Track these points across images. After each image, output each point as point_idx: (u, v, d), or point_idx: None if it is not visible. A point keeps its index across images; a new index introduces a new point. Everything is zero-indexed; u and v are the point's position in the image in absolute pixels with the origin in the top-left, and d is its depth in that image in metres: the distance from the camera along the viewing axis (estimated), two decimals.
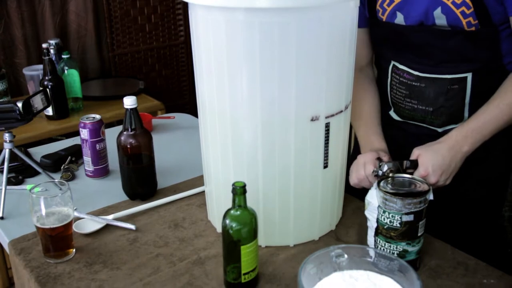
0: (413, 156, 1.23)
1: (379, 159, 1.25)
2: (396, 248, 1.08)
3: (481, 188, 1.40)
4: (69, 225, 1.16)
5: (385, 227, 1.07)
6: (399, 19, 1.29)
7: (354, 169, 1.28)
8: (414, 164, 1.21)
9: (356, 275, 0.97)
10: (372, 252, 0.99)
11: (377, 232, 1.10)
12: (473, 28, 1.20)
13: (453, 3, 1.19)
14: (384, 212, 1.06)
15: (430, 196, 1.08)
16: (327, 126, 1.13)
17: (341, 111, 1.16)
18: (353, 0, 1.09)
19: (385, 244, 1.09)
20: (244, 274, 1.03)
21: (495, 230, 1.50)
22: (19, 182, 1.51)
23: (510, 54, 1.26)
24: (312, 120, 1.11)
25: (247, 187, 1.00)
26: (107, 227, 1.28)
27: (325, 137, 1.14)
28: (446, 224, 1.32)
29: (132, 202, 1.40)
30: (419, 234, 1.08)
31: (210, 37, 1.09)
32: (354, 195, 1.39)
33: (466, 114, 1.32)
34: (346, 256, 0.98)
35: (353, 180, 1.28)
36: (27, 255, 1.18)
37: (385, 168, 1.18)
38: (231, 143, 1.14)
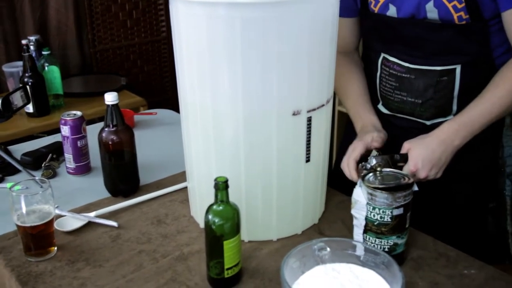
0: (403, 150, 1.24)
1: (378, 151, 1.25)
2: (387, 242, 1.07)
3: (468, 180, 1.41)
4: (50, 223, 1.15)
5: (376, 223, 1.06)
6: (392, 11, 1.29)
7: (345, 155, 1.29)
8: (405, 158, 1.22)
9: (339, 268, 0.97)
10: (354, 245, 1.00)
11: (366, 230, 1.09)
12: (464, 22, 1.21)
13: None
14: (373, 208, 1.05)
15: (415, 187, 1.08)
16: (309, 120, 1.13)
17: (323, 105, 1.16)
18: None
19: (375, 240, 1.08)
20: (227, 269, 1.03)
21: (477, 221, 1.51)
22: None
23: (499, 48, 1.27)
24: (294, 114, 1.11)
25: (229, 182, 1.00)
26: (89, 224, 1.27)
27: (307, 131, 1.14)
28: (428, 216, 1.33)
29: (114, 199, 1.39)
30: (407, 226, 1.08)
31: (191, 32, 1.09)
32: (337, 189, 1.40)
33: (454, 107, 1.33)
34: (328, 249, 0.99)
35: (341, 165, 1.29)
36: (8, 254, 1.17)
37: (374, 162, 1.18)
38: (213, 138, 1.14)
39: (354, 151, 1.25)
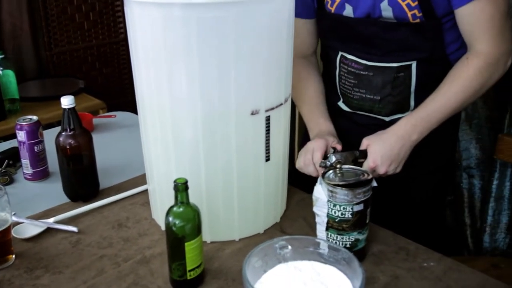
0: (362, 146, 1.26)
1: (334, 148, 1.26)
2: (349, 238, 1.09)
3: (428, 175, 1.44)
4: (7, 231, 1.12)
5: (337, 220, 1.07)
6: (348, 11, 1.30)
7: (303, 153, 1.29)
8: (364, 154, 1.23)
9: (301, 266, 0.98)
10: (315, 242, 1.01)
11: (328, 226, 1.09)
12: (418, 21, 1.24)
13: None
14: (334, 205, 1.06)
15: (374, 183, 1.10)
16: (268, 119, 1.14)
17: (281, 104, 1.17)
18: None
19: (337, 237, 1.09)
20: (190, 270, 1.02)
21: (436, 214, 1.55)
22: None
23: (452, 44, 1.30)
24: (252, 114, 1.11)
25: (190, 183, 0.99)
26: (48, 230, 1.25)
27: (266, 130, 1.15)
28: (388, 211, 1.35)
29: (73, 204, 1.36)
30: (367, 221, 1.10)
31: (147, 34, 1.08)
32: (298, 187, 1.41)
33: (412, 102, 1.35)
34: (290, 247, 0.99)
35: (299, 164, 1.29)
36: None
37: (333, 159, 1.19)
38: (172, 140, 1.13)
39: (318, 151, 1.26)
